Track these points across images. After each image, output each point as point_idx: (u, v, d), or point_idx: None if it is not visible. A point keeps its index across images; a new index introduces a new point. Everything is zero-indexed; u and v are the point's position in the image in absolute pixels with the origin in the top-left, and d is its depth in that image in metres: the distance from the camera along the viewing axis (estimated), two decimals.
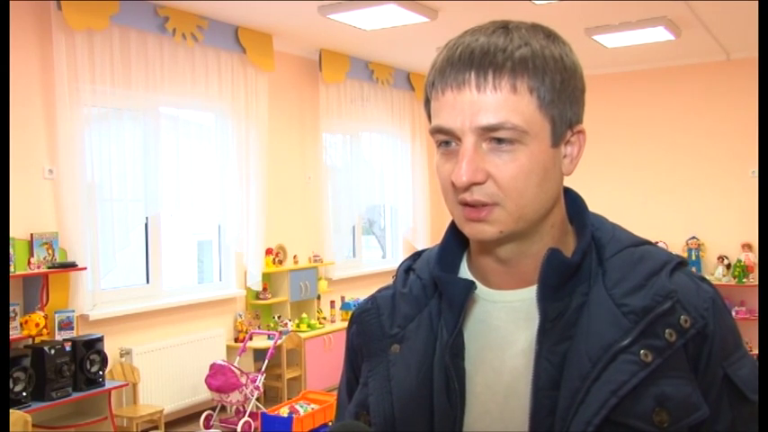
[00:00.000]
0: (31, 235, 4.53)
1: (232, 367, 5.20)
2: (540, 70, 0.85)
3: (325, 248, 6.96)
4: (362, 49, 6.86)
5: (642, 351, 0.84)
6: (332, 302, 7.02)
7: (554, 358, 0.87)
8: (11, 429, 3.48)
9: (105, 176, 5.03)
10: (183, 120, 5.74)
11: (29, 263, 4.46)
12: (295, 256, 6.67)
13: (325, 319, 6.82)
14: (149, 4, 5.19)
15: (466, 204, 0.87)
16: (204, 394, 5.43)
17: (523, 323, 0.91)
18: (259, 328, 6.11)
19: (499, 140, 0.85)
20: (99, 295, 5.00)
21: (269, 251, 6.31)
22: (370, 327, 1.00)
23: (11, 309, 4.28)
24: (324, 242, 6.96)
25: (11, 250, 4.30)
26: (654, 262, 0.91)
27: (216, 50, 5.75)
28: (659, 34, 6.20)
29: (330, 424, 4.89)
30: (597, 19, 5.88)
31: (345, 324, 6.99)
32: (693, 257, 7.36)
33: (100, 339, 4.67)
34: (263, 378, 5.43)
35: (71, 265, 4.64)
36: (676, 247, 7.33)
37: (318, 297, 6.80)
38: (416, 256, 1.06)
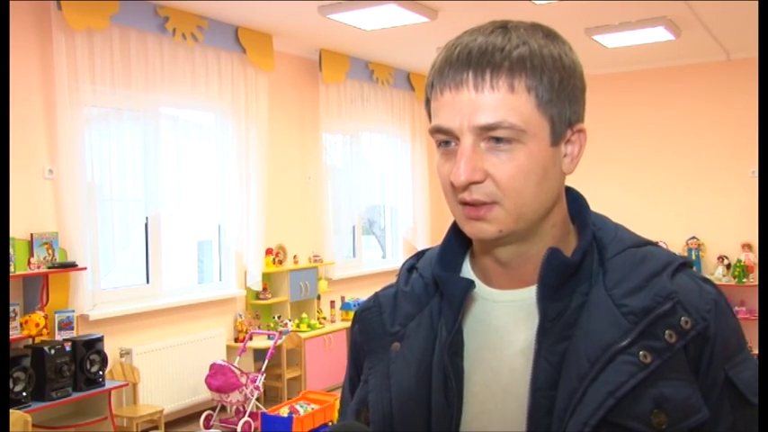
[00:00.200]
0: (31, 235, 4.53)
1: (232, 367, 5.20)
2: (538, 69, 0.85)
3: (325, 248, 6.96)
4: (362, 49, 6.86)
5: (641, 352, 0.84)
6: (332, 302, 7.02)
7: (553, 358, 0.87)
8: (11, 429, 3.48)
9: (105, 176, 5.03)
10: (182, 120, 5.74)
11: (29, 263, 4.46)
12: (295, 256, 6.67)
13: (325, 319, 6.82)
14: (149, 4, 5.19)
15: (465, 203, 0.88)
16: (204, 394, 5.42)
17: (523, 323, 0.91)
18: (259, 328, 6.11)
19: (497, 140, 0.85)
20: (99, 295, 5.00)
21: (269, 251, 6.31)
22: (371, 324, 1.01)
23: (11, 309, 4.28)
24: (324, 242, 6.96)
25: (11, 250, 4.30)
26: (656, 263, 0.90)
27: (216, 50, 5.75)
28: (659, 34, 6.20)
29: (330, 424, 4.90)
30: (597, 19, 5.88)
31: (345, 324, 7.04)
32: (693, 257, 7.36)
33: (100, 339, 4.67)
34: (263, 378, 5.43)
35: (71, 265, 4.64)
36: (676, 247, 7.33)
37: (318, 297, 6.80)
38: (420, 254, 1.07)
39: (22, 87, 4.56)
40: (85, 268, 4.74)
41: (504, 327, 0.93)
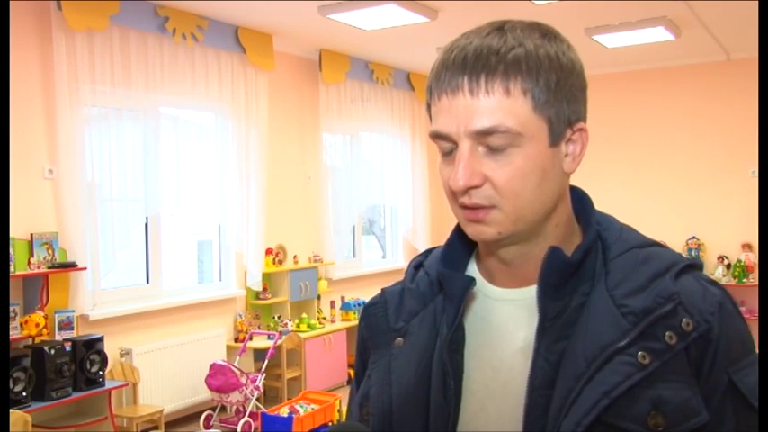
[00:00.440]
0: (31, 235, 4.53)
1: (232, 367, 5.20)
2: (533, 71, 0.85)
3: (325, 248, 6.96)
4: (362, 49, 6.86)
5: (640, 353, 0.83)
6: (332, 302, 7.02)
7: (551, 357, 0.87)
8: (11, 429, 3.48)
9: (105, 176, 5.03)
10: (182, 120, 5.74)
11: (29, 263, 4.46)
12: (295, 256, 6.67)
13: (325, 319, 6.82)
14: (149, 4, 5.19)
15: (465, 207, 0.88)
16: (204, 394, 5.42)
17: (524, 321, 0.91)
18: (259, 328, 6.11)
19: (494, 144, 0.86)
20: (99, 295, 5.00)
21: (269, 251, 6.31)
22: (376, 320, 1.02)
23: (11, 309, 4.28)
24: (324, 242, 6.96)
25: (11, 250, 4.30)
26: (659, 263, 0.90)
27: (216, 50, 5.75)
28: (659, 34, 6.20)
29: (330, 424, 4.90)
30: (597, 19, 5.88)
31: (345, 324, 7.04)
32: (693, 257, 7.36)
33: (100, 339, 4.67)
34: (263, 378, 5.43)
35: (71, 265, 4.64)
36: (676, 247, 7.33)
37: (318, 297, 6.80)
38: (428, 252, 1.08)
39: (22, 87, 4.56)
40: (85, 268, 4.74)
41: (504, 325, 0.93)
